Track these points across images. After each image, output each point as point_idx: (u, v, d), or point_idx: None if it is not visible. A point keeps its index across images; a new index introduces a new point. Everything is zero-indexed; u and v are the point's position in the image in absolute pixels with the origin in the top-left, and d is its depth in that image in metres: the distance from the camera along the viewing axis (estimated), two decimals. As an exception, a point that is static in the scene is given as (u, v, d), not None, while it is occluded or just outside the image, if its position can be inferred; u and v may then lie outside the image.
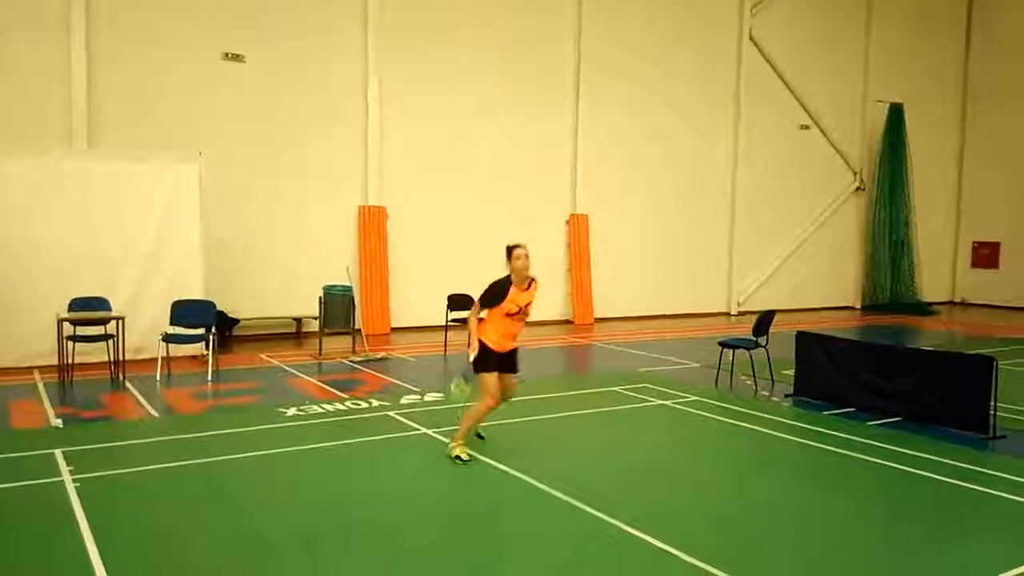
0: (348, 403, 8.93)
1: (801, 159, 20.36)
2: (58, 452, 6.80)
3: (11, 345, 10.58)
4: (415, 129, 15.12)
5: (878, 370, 8.97)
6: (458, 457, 6.70)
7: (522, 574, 4.71)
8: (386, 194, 14.95)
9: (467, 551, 5.04)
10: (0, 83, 11.76)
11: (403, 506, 5.76)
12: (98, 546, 4.88)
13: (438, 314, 12.77)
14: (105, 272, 10.95)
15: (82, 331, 10.08)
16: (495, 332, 6.70)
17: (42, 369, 10.37)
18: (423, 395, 9.33)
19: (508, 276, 6.68)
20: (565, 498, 5.84)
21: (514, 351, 6.88)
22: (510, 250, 6.71)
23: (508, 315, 6.66)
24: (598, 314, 17.31)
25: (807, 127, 20.42)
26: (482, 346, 6.65)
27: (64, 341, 9.82)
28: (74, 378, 9.95)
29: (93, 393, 9.41)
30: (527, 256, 6.67)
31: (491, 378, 6.70)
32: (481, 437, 7.31)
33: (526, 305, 6.73)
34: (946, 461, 7.02)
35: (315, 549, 4.98)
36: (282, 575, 4.64)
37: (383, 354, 12.45)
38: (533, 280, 6.78)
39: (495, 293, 6.65)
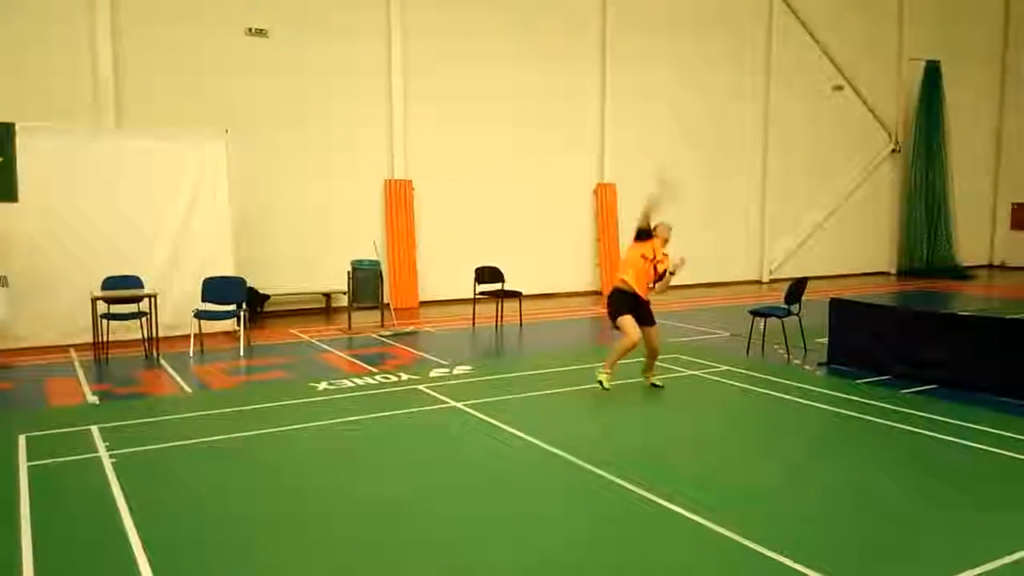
0: (378, 377, 8.97)
1: (835, 120, 19.87)
2: (94, 428, 6.92)
3: (47, 323, 10.75)
4: (439, 101, 14.97)
5: (915, 337, 8.78)
6: (600, 382, 7.88)
7: (555, 546, 4.69)
8: (411, 168, 14.89)
9: (496, 525, 5.03)
10: (28, 60, 11.83)
11: (434, 480, 5.77)
12: (134, 522, 4.95)
13: (466, 287, 12.74)
14: (137, 250, 11.07)
15: (115, 309, 10.22)
16: (635, 272, 7.94)
17: (78, 347, 10.56)
18: (452, 368, 9.33)
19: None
20: (598, 471, 5.80)
21: (647, 304, 7.99)
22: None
23: (643, 257, 7.94)
24: (627, 284, 17.14)
25: (840, 87, 19.89)
26: (618, 291, 7.93)
27: (99, 319, 9.97)
28: (109, 355, 10.11)
29: (128, 370, 9.55)
30: (669, 228, 8.25)
31: (627, 320, 7.78)
32: (656, 386, 8.31)
33: (654, 260, 7.95)
34: (986, 429, 6.85)
35: (350, 524, 5.01)
36: (314, 550, 4.67)
37: (412, 328, 12.49)
38: (667, 255, 8.09)
39: (644, 229, 8.03)
